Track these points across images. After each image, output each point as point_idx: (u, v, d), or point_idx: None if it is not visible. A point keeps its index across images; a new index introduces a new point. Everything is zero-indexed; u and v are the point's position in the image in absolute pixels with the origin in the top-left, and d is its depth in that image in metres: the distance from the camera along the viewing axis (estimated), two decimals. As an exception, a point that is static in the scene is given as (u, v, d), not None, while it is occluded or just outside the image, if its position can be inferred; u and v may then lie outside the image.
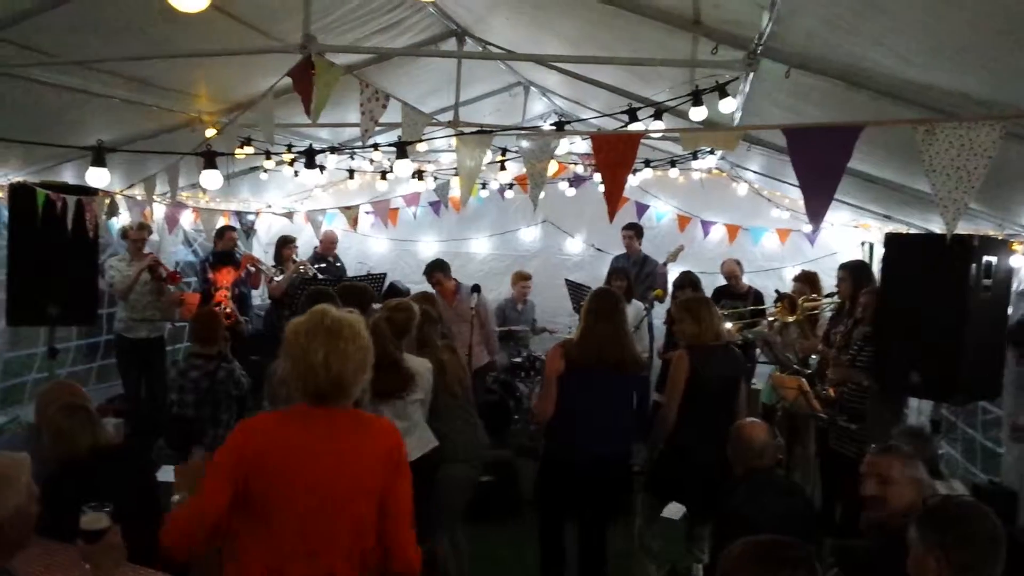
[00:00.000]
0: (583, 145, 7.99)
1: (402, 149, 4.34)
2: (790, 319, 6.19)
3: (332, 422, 2.46)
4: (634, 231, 8.41)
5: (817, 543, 3.38)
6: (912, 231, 6.94)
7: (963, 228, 5.04)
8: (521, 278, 8.53)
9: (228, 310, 7.38)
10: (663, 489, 4.55)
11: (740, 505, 3.79)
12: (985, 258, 5.01)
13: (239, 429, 2.48)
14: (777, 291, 6.87)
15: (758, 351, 7.00)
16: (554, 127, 4.78)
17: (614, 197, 3.14)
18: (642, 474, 4.82)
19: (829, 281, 7.16)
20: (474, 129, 4.91)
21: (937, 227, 6.28)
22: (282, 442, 2.40)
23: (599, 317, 4.33)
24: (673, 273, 7.87)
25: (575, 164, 8.98)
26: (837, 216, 8.28)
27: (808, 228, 9.09)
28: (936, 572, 2.27)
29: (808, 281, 6.50)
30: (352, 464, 2.43)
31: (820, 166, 2.67)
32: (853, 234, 8.80)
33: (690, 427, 4.46)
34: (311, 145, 5.97)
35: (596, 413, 4.27)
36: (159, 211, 7.61)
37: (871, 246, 8.35)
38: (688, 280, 7.24)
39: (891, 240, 5.25)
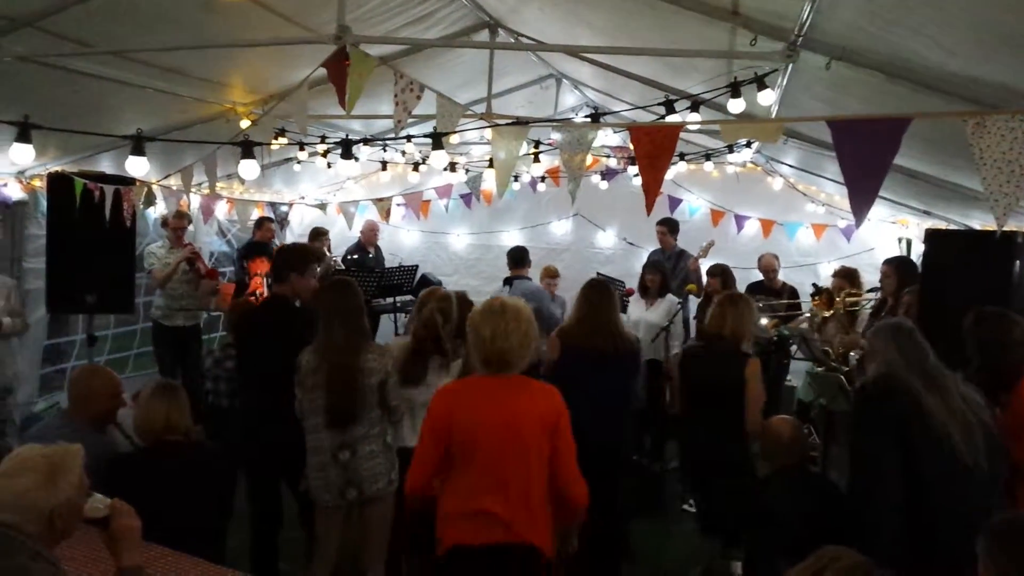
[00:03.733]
0: (616, 138, 7.91)
1: (437, 140, 4.32)
2: (827, 314, 6.09)
3: (502, 385, 3.06)
4: (668, 226, 8.30)
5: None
6: (952, 227, 6.80)
7: (1007, 224, 4.93)
8: (548, 274, 8.45)
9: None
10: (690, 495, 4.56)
11: (770, 502, 3.76)
12: (1030, 254, 4.90)
13: (438, 395, 3.16)
14: (814, 284, 6.76)
15: (794, 347, 6.91)
16: (588, 119, 4.73)
17: (652, 189, 3.10)
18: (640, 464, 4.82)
19: (868, 277, 7.05)
20: (509, 120, 4.89)
21: (978, 223, 6.14)
22: (468, 401, 3.05)
23: (591, 306, 4.45)
24: (705, 267, 7.79)
25: (608, 157, 8.91)
26: (875, 211, 8.12)
27: (843, 223, 8.95)
28: None
29: (848, 277, 6.39)
30: (520, 418, 3.00)
31: (865, 159, 2.60)
32: (891, 230, 8.64)
33: (696, 431, 4.48)
34: (347, 136, 5.97)
35: (588, 399, 4.24)
36: (194, 201, 7.67)
37: (909, 242, 8.21)
38: (718, 270, 7.17)
39: (932, 236, 5.15)
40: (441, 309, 4.35)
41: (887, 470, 2.96)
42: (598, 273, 8.58)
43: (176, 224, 7.07)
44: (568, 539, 3.30)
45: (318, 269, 4.69)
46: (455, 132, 4.07)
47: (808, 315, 6.57)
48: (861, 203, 2.66)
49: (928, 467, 2.94)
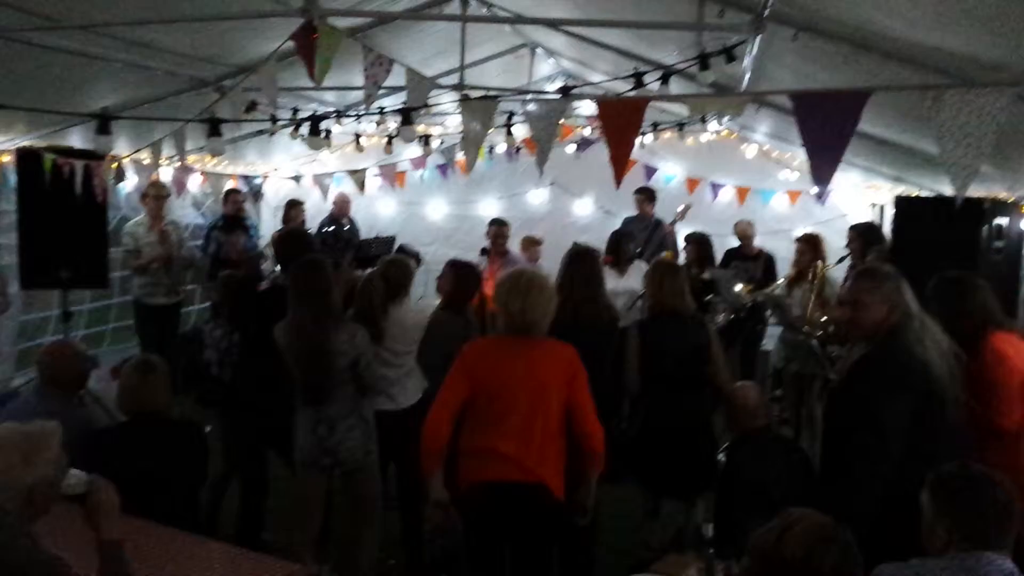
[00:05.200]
0: (590, 107, 7.91)
1: (407, 116, 4.31)
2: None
3: (524, 343, 3.38)
4: (645, 194, 8.31)
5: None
6: (923, 193, 6.88)
7: (974, 191, 4.97)
8: (532, 243, 8.42)
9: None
10: (643, 473, 4.57)
11: (743, 467, 3.84)
12: (996, 221, 4.98)
13: (466, 348, 3.50)
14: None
15: (768, 313, 6.99)
16: (560, 92, 4.72)
17: (620, 163, 3.12)
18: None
19: (840, 242, 7.13)
20: (480, 94, 4.87)
21: (948, 189, 6.21)
22: (492, 355, 3.42)
23: (577, 278, 4.39)
24: (682, 234, 7.84)
25: (582, 127, 8.89)
26: (847, 177, 8.21)
27: (816, 189, 9.01)
28: (944, 541, 2.28)
29: (810, 243, 6.44)
30: (538, 369, 3.32)
31: (827, 132, 2.63)
32: (863, 195, 8.72)
33: (656, 403, 4.42)
34: (315, 112, 5.93)
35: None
36: (166, 175, 7.61)
37: (882, 208, 8.28)
38: (694, 238, 7.21)
39: (901, 203, 5.22)
40: (385, 274, 4.40)
41: (894, 431, 2.93)
42: (575, 242, 8.62)
43: (156, 193, 7.02)
44: (589, 488, 3.45)
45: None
46: (426, 106, 4.04)
47: (781, 281, 6.63)
48: (823, 174, 2.70)
49: (927, 429, 2.94)
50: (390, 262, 4.60)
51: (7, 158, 6.30)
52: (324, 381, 3.88)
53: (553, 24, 5.74)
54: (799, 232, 8.36)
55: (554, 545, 3.53)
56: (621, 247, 6.82)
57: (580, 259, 4.52)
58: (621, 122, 3.05)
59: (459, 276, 4.79)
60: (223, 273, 5.60)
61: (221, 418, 4.68)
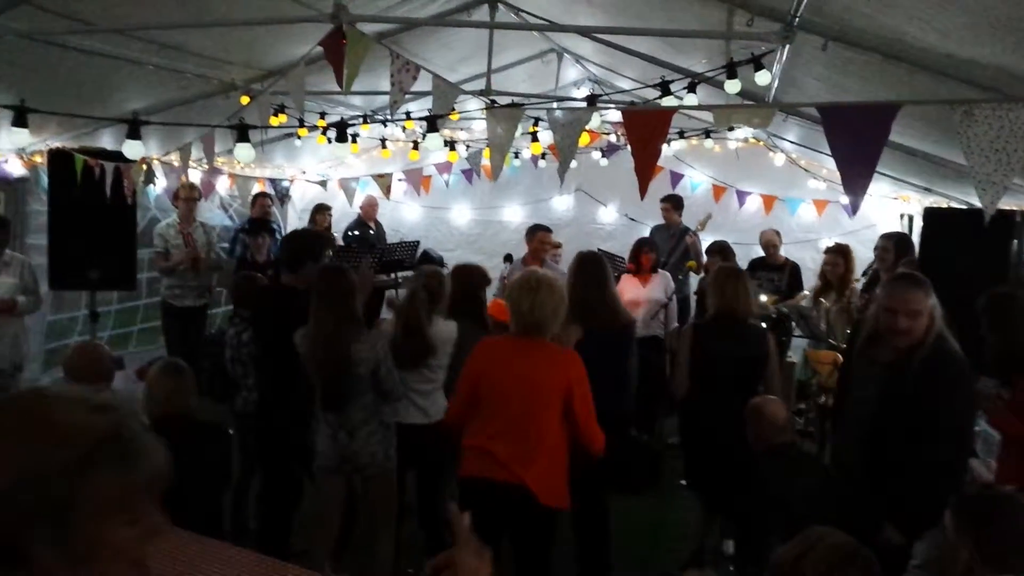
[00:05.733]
0: (616, 114, 7.88)
1: (432, 123, 4.32)
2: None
3: (527, 344, 3.46)
4: (672, 203, 8.25)
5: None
6: (953, 204, 6.79)
7: (1005, 203, 4.91)
8: (553, 247, 8.40)
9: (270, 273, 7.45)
10: (690, 473, 4.55)
11: (768, 483, 3.77)
12: (1027, 234, 4.91)
13: (479, 345, 3.64)
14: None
15: (793, 324, 6.93)
16: (586, 101, 4.71)
17: (646, 174, 3.10)
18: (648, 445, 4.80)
19: (867, 253, 7.04)
20: (505, 101, 4.87)
21: (978, 201, 6.12)
22: (496, 354, 3.52)
23: (587, 280, 4.41)
24: (706, 242, 7.79)
25: (608, 133, 8.86)
26: (876, 188, 8.12)
27: (845, 199, 8.92)
28: (966, 564, 2.24)
29: (841, 253, 6.38)
30: (538, 374, 3.39)
31: (857, 145, 2.60)
32: (892, 206, 8.62)
33: (704, 408, 4.38)
34: (342, 118, 5.96)
35: (597, 380, 4.28)
36: (195, 177, 7.69)
37: (911, 219, 8.19)
38: (717, 247, 7.15)
39: (930, 215, 5.16)
40: (427, 286, 4.33)
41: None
42: (599, 249, 8.60)
43: (188, 196, 7.11)
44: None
45: (329, 253, 4.70)
46: (452, 113, 4.04)
47: (807, 292, 6.57)
48: (855, 188, 2.66)
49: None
50: (432, 274, 4.55)
51: (39, 159, 6.40)
52: (345, 388, 3.89)
53: (582, 32, 5.72)
54: (826, 242, 8.31)
55: (547, 547, 3.54)
56: (642, 256, 6.77)
57: (586, 263, 4.54)
58: (646, 132, 3.03)
59: (460, 278, 4.73)
60: (239, 274, 5.66)
61: (242, 419, 4.69)
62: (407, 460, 4.26)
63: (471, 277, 4.78)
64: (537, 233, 7.13)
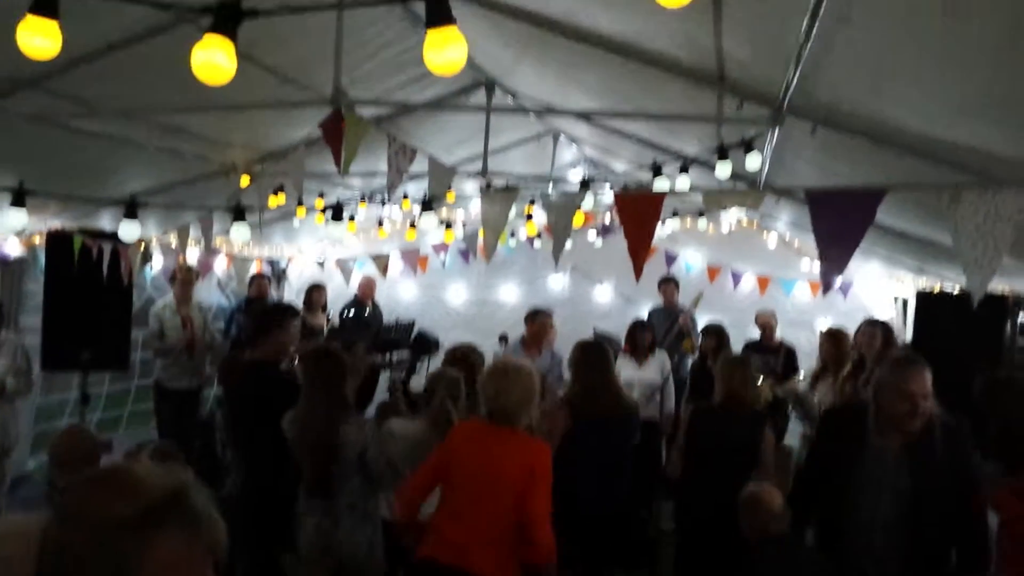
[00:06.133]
0: (611, 194, 7.99)
1: (427, 204, 4.38)
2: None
3: (496, 432, 3.42)
4: (667, 285, 8.32)
5: None
6: (946, 284, 6.82)
7: (996, 285, 4.93)
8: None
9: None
10: (685, 560, 4.47)
11: (766, 574, 3.68)
12: (1021, 317, 4.92)
13: (455, 428, 3.66)
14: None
15: (790, 408, 6.87)
16: (580, 184, 4.78)
17: (639, 256, 3.13)
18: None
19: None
20: (501, 181, 4.94)
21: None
22: (466, 437, 3.47)
23: (590, 368, 4.43)
24: (702, 322, 7.80)
25: (603, 214, 8.97)
26: (870, 269, 8.18)
27: (839, 282, 8.97)
28: None
29: (835, 339, 6.36)
30: (499, 461, 3.34)
31: (841, 229, 2.63)
32: (886, 288, 8.67)
33: (701, 493, 4.36)
34: (338, 200, 6.04)
35: (598, 467, 4.25)
36: (192, 257, 7.73)
37: (904, 302, 8.22)
38: (714, 330, 7.16)
39: (923, 298, 5.18)
40: (452, 396, 4.30)
41: None
42: (595, 328, 8.61)
43: (185, 277, 7.14)
44: None
45: (297, 323, 4.67)
46: (447, 193, 4.10)
47: (803, 375, 6.53)
48: (832, 270, 2.69)
49: None
50: (452, 382, 4.48)
51: (38, 239, 6.43)
52: (328, 473, 3.83)
53: (577, 115, 5.84)
54: (821, 323, 8.31)
55: None
56: (637, 337, 6.76)
57: (588, 351, 4.60)
58: (639, 216, 3.07)
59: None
60: (226, 356, 5.64)
61: (227, 503, 4.59)
62: (397, 558, 4.14)
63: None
64: (539, 317, 7.04)
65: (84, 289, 5.89)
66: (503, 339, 7.33)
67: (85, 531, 1.17)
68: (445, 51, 2.26)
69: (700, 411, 4.61)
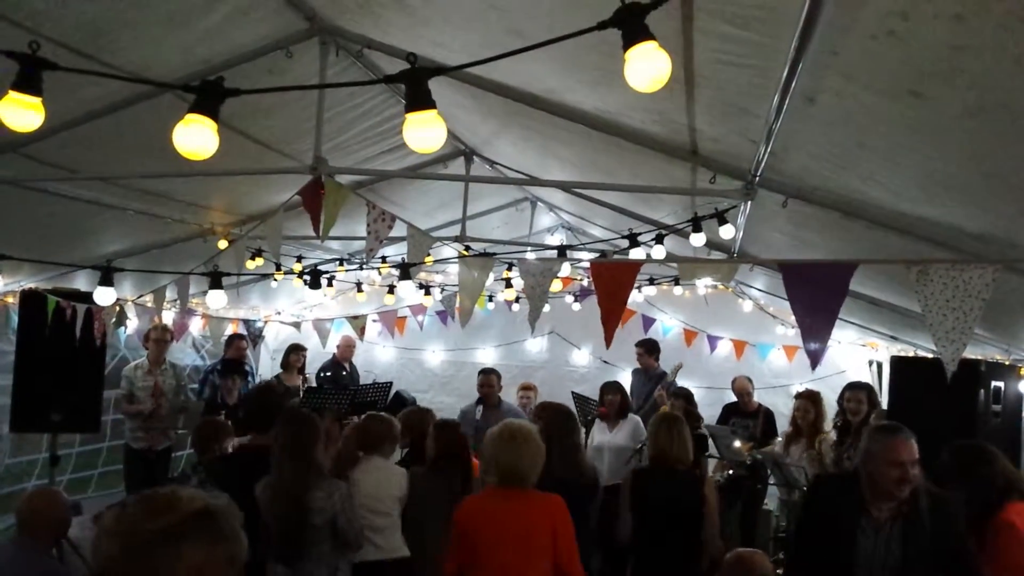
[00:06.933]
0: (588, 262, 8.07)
1: (404, 271, 4.40)
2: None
3: (513, 495, 3.49)
4: (645, 347, 8.29)
5: None
6: (919, 352, 6.90)
7: (969, 353, 5.00)
8: (526, 389, 8.41)
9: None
10: None
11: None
12: (993, 384, 4.97)
13: (462, 504, 3.62)
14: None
15: (768, 472, 6.85)
16: (557, 250, 4.84)
17: (611, 323, 3.16)
18: None
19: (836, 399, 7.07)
20: (479, 246, 4.98)
21: (943, 349, 6.23)
22: (483, 511, 3.51)
23: (552, 436, 4.33)
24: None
25: (580, 279, 9.03)
26: (844, 335, 8.26)
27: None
28: None
29: (811, 399, 6.40)
30: (525, 521, 3.42)
31: (816, 301, 2.67)
32: (860, 352, 8.75)
33: (647, 554, 4.32)
34: (316, 265, 6.06)
35: None
36: (168, 318, 7.68)
37: (879, 365, 8.30)
38: (682, 392, 7.19)
39: (897, 364, 5.22)
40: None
41: None
42: (572, 392, 8.58)
43: (159, 336, 7.11)
44: None
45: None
46: (426, 260, 4.13)
47: (779, 439, 6.54)
48: (814, 342, 2.71)
49: None
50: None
51: (11, 299, 6.38)
52: (297, 539, 3.76)
53: (555, 186, 5.93)
54: (797, 388, 8.35)
55: None
56: (605, 400, 6.73)
57: (554, 414, 4.64)
58: (613, 284, 3.11)
59: (443, 438, 4.71)
60: (203, 419, 5.57)
61: None
62: None
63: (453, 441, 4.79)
64: (479, 376, 7.60)
65: (56, 349, 5.80)
66: (480, 402, 7.31)
67: (121, 548, 1.44)
68: (424, 132, 2.31)
69: (638, 473, 4.58)
